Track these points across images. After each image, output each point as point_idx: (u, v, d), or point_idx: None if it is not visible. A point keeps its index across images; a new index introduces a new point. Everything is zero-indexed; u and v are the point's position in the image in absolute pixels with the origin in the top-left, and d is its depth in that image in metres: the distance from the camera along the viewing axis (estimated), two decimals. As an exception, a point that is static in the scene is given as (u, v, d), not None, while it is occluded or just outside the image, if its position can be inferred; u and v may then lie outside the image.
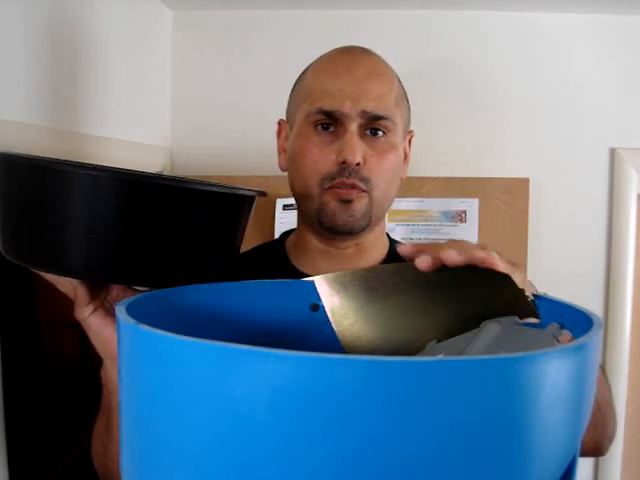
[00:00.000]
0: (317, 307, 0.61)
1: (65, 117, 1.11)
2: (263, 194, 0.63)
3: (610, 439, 0.77)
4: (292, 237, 0.91)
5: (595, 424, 0.70)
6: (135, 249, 0.55)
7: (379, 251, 0.88)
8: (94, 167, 0.54)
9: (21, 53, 0.96)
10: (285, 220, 1.49)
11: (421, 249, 0.55)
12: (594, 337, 0.38)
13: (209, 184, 0.57)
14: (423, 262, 0.54)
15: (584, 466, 1.56)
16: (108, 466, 0.70)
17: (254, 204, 0.65)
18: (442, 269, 0.56)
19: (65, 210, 0.53)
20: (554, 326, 0.49)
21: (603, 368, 0.79)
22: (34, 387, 1.12)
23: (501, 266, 0.53)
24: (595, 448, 0.75)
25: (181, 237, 0.56)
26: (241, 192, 0.60)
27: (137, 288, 0.66)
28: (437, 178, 1.54)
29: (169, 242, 0.56)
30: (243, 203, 0.63)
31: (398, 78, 0.85)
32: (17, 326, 1.05)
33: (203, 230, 0.58)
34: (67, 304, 0.63)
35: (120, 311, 0.41)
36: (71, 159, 0.67)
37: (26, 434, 1.04)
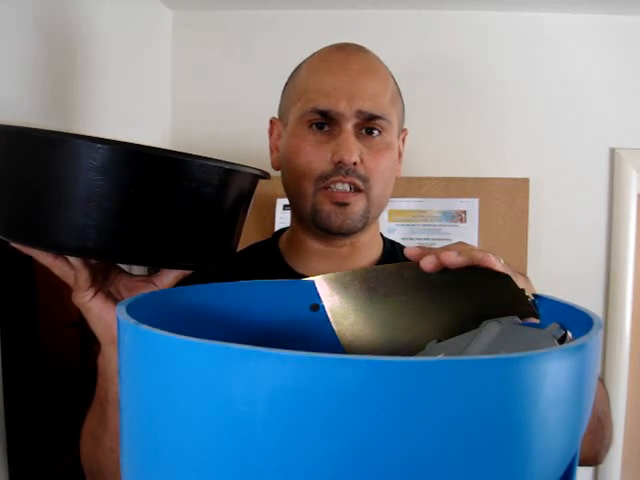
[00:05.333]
0: (317, 307, 0.61)
1: (65, 117, 1.11)
2: (266, 175, 0.62)
3: (607, 449, 0.78)
4: (285, 236, 0.91)
5: (594, 435, 0.71)
6: (134, 226, 0.53)
7: (374, 250, 0.88)
8: (94, 139, 0.52)
9: (21, 53, 0.96)
10: (285, 220, 1.48)
11: (426, 252, 0.55)
12: (594, 337, 0.38)
13: (211, 159, 0.55)
14: (428, 263, 0.54)
15: (584, 467, 1.56)
16: (99, 461, 0.68)
17: (256, 185, 0.64)
18: (443, 269, 0.56)
19: (62, 184, 0.51)
20: (554, 326, 0.49)
21: (602, 380, 0.79)
22: (34, 387, 1.12)
23: (498, 266, 0.54)
24: (592, 458, 0.76)
25: (180, 214, 0.55)
26: (245, 170, 0.59)
27: (133, 273, 0.66)
28: (437, 178, 1.54)
29: (168, 219, 0.54)
30: (247, 182, 0.62)
31: (392, 75, 0.85)
32: (17, 325, 1.05)
33: (203, 208, 0.57)
34: (68, 304, 0.63)
35: (120, 311, 0.41)
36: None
37: (26, 434, 1.04)
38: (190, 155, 0.54)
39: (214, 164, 0.55)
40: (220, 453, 0.34)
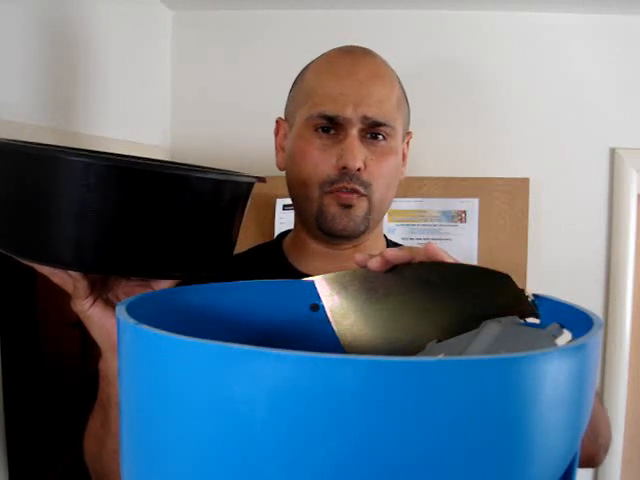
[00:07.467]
0: (317, 307, 0.61)
1: (65, 117, 1.11)
2: (262, 180, 0.62)
3: (605, 449, 0.76)
4: (289, 238, 0.91)
5: (584, 435, 0.70)
6: (127, 239, 0.54)
7: (377, 252, 0.88)
8: (84, 154, 0.52)
9: (21, 53, 0.96)
10: (285, 220, 1.49)
11: (372, 256, 0.59)
12: (594, 337, 0.38)
13: (204, 171, 0.55)
14: (374, 262, 0.58)
15: (583, 469, 1.56)
16: (103, 462, 0.68)
17: (252, 191, 0.64)
18: (442, 269, 0.56)
19: (57, 200, 0.52)
20: (554, 326, 0.49)
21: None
22: (34, 386, 1.12)
23: (441, 254, 0.56)
24: (589, 459, 0.74)
25: (175, 226, 0.55)
26: (240, 179, 0.59)
27: (132, 278, 0.66)
28: (437, 178, 1.54)
29: (163, 231, 0.55)
30: (242, 190, 0.62)
31: (399, 79, 0.85)
32: (17, 326, 1.05)
33: (199, 219, 0.57)
34: (68, 304, 0.63)
35: (120, 311, 0.41)
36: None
37: (26, 434, 1.04)
38: (183, 168, 0.54)
39: (208, 176, 0.55)
40: (220, 453, 0.34)
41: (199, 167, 0.56)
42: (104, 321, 0.61)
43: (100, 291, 0.62)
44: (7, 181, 0.55)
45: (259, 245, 0.94)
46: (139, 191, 0.53)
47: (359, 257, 0.60)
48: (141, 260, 0.55)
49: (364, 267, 0.59)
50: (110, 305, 0.62)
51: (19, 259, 0.57)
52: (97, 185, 0.51)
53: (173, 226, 0.55)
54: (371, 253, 0.86)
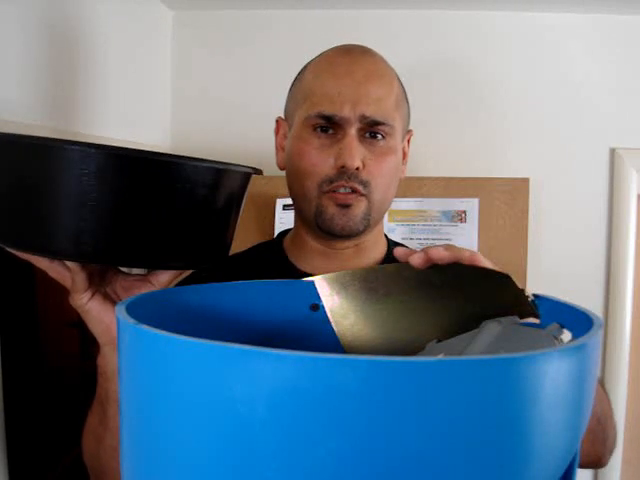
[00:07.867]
0: (317, 307, 0.61)
1: (65, 117, 1.11)
2: (258, 172, 0.63)
3: (610, 451, 0.77)
4: (289, 236, 0.91)
5: (595, 437, 0.70)
6: (126, 227, 0.53)
7: (378, 251, 0.88)
8: (85, 144, 0.52)
9: (21, 53, 0.96)
10: (285, 220, 1.49)
11: (414, 251, 0.57)
12: (594, 337, 0.38)
13: (202, 160, 0.55)
14: (417, 259, 0.56)
15: (588, 469, 1.56)
16: (101, 460, 0.68)
17: (249, 182, 0.64)
18: (442, 269, 0.56)
19: (55, 190, 0.52)
20: (554, 326, 0.49)
21: (601, 381, 0.79)
22: (34, 386, 1.12)
23: (486, 264, 0.56)
24: (596, 460, 0.75)
25: (174, 215, 0.55)
26: (237, 168, 0.59)
27: (129, 271, 0.66)
28: (437, 178, 1.54)
29: (161, 220, 0.55)
30: (239, 180, 0.62)
31: (398, 78, 0.85)
32: (17, 326, 1.05)
33: (197, 209, 0.57)
34: (67, 304, 0.63)
35: (120, 311, 0.41)
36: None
37: (26, 434, 1.04)
38: (181, 157, 0.54)
39: (205, 165, 0.55)
40: (220, 453, 0.34)
41: (196, 158, 0.56)
42: (102, 315, 0.61)
43: (98, 285, 0.62)
44: (5, 172, 0.54)
45: (259, 244, 0.94)
46: (137, 179, 0.53)
47: (400, 251, 0.59)
48: (140, 249, 0.55)
49: (405, 262, 0.58)
50: (108, 299, 0.62)
51: (16, 251, 0.56)
52: (96, 174, 0.51)
53: (171, 215, 0.55)
54: (374, 252, 0.87)
